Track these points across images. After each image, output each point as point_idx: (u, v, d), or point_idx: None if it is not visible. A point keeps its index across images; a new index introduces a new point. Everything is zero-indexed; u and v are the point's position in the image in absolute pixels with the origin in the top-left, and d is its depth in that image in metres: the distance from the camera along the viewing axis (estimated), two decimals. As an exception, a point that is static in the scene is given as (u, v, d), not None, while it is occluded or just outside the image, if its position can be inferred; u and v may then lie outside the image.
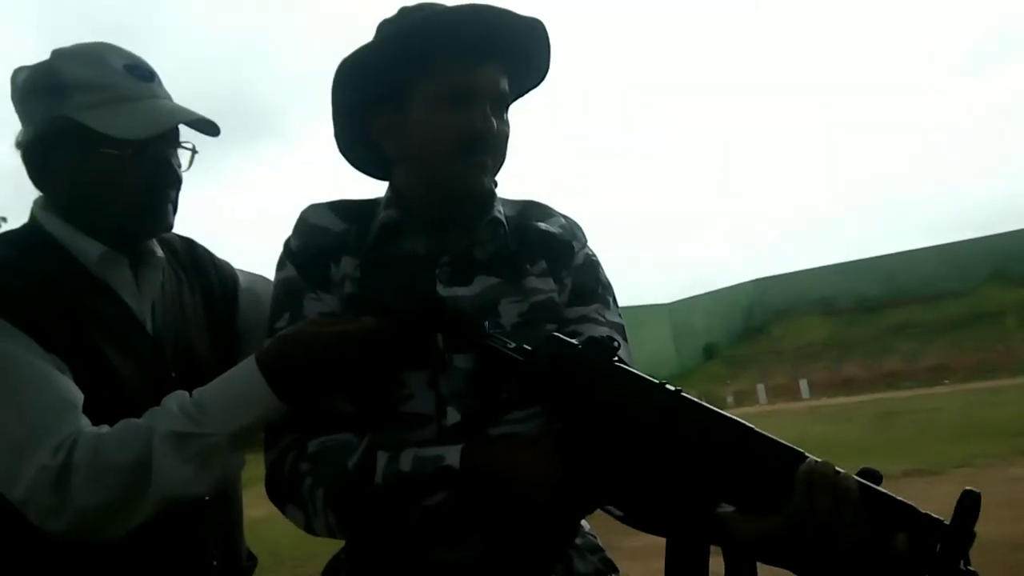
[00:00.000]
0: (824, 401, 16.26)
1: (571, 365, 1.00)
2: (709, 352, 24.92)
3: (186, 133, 1.33)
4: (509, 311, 1.14)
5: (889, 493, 0.88)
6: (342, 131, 1.23)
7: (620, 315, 1.23)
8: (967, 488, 0.84)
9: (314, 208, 1.22)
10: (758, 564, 0.93)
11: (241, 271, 1.51)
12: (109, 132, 1.22)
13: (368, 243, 1.18)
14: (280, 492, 1.09)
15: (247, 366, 1.10)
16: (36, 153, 1.27)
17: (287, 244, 1.21)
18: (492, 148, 1.15)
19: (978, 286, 23.01)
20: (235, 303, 1.45)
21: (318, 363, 1.07)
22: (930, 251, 25.96)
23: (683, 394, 0.96)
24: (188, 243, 1.47)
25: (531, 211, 1.25)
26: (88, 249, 1.26)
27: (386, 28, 1.17)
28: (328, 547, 1.20)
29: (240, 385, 1.10)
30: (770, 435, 0.92)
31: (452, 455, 1.02)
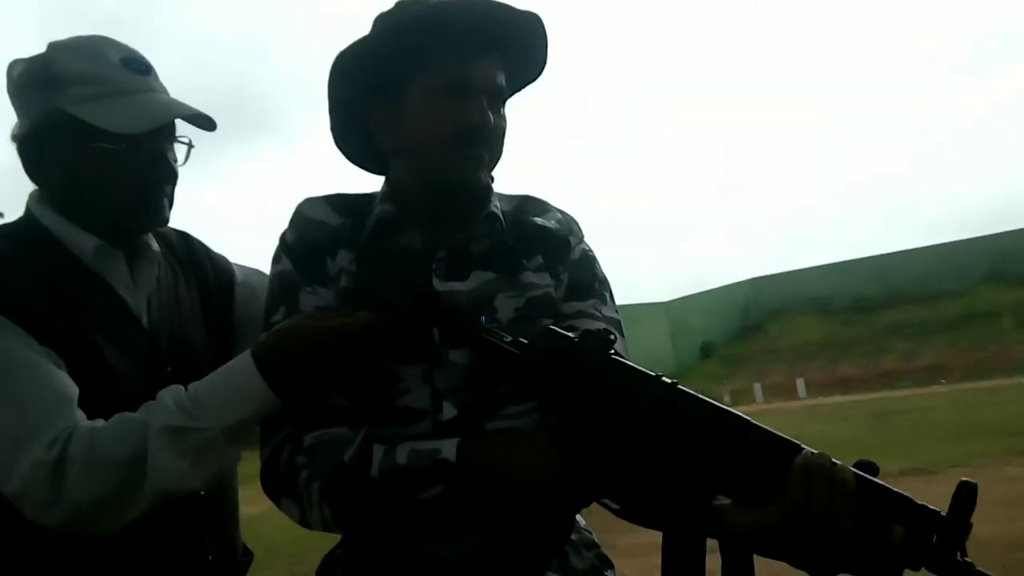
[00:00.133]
0: (821, 400, 16.27)
1: (567, 358, 1.00)
2: (706, 351, 24.89)
3: (182, 128, 1.33)
4: (505, 306, 1.14)
5: (886, 484, 0.88)
6: (338, 124, 1.22)
7: (617, 310, 1.23)
8: (963, 479, 0.84)
9: (310, 202, 1.22)
10: (755, 556, 0.93)
11: (237, 265, 1.50)
12: (105, 126, 1.22)
13: (364, 237, 1.17)
14: (275, 486, 1.09)
15: (243, 360, 1.10)
16: (32, 146, 1.27)
17: (283, 238, 1.20)
18: (488, 142, 1.15)
19: (974, 286, 23.04)
20: (231, 297, 1.45)
21: (314, 357, 1.07)
22: (926, 251, 25.94)
23: (679, 387, 0.95)
24: (184, 237, 1.46)
25: (527, 206, 1.25)
26: (83, 243, 1.26)
27: (383, 22, 1.17)
28: (324, 543, 1.20)
29: (236, 379, 1.09)
30: (766, 427, 0.92)
31: (448, 448, 1.02)
